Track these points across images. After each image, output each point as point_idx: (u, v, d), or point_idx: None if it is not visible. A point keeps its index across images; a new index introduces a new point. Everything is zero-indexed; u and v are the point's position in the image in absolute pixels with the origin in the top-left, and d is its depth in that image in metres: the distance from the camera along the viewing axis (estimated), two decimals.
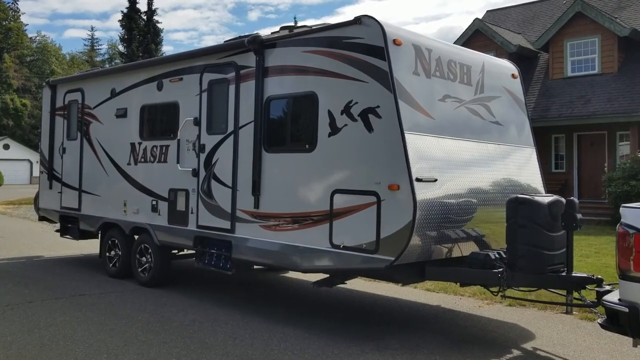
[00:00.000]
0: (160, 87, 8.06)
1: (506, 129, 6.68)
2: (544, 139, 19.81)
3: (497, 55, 19.58)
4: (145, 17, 39.59)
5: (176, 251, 8.21)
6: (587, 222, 15.96)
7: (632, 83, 17.92)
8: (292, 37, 6.34)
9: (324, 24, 6.30)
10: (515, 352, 5.37)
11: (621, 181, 15.33)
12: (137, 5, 39.94)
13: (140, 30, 39.31)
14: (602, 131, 18.72)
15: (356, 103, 5.59)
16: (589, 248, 11.31)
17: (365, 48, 5.56)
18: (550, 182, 19.01)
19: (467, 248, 5.89)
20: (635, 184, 14.96)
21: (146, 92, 8.31)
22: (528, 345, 5.58)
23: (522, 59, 21.35)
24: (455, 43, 21.71)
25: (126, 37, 39.84)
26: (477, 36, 21.67)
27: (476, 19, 22.12)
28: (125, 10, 39.68)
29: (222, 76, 7.05)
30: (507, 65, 7.11)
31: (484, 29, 21.58)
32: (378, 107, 5.43)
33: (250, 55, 6.67)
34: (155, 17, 40.04)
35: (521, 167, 6.75)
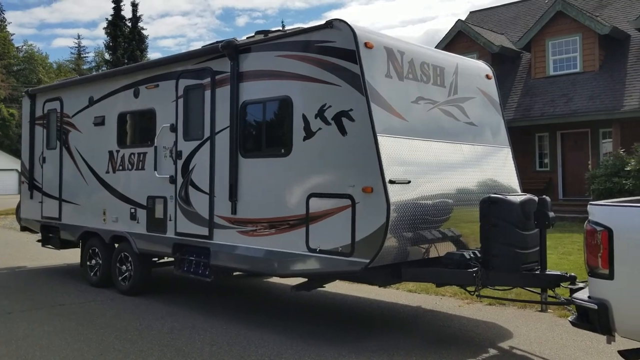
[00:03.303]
0: (136, 94, 8.03)
1: (481, 130, 6.72)
2: (528, 138, 19.96)
3: (480, 56, 19.74)
4: (130, 24, 39.51)
5: (156, 259, 8.17)
6: (571, 220, 16.10)
7: (613, 81, 18.09)
8: (266, 41, 6.34)
9: (297, 28, 6.31)
10: (492, 352, 5.39)
11: (604, 178, 15.45)
12: (122, 13, 39.85)
13: (126, 37, 39.16)
14: (585, 129, 18.88)
15: (330, 107, 5.61)
16: (572, 246, 11.39)
17: (338, 52, 5.58)
18: (535, 181, 19.20)
19: (444, 248, 5.92)
20: (617, 180, 15.08)
21: (123, 100, 8.28)
22: (505, 344, 5.61)
23: (505, 59, 21.52)
24: (438, 45, 21.87)
25: (111, 44, 39.68)
26: (460, 37, 21.80)
27: (459, 20, 22.26)
28: (110, 18, 39.57)
29: (198, 82, 7.04)
30: (481, 66, 7.15)
31: (467, 30, 21.71)
32: (351, 110, 5.45)
33: (225, 60, 6.67)
34: (140, 24, 39.95)
35: (497, 167, 6.79)
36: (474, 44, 21.23)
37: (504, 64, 21.50)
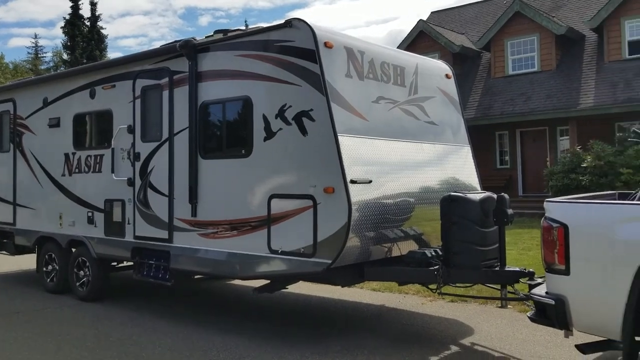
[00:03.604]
0: (93, 95, 7.82)
1: (441, 129, 6.77)
2: (488, 137, 20.31)
3: (441, 56, 19.98)
4: (89, 23, 38.56)
5: (115, 263, 7.97)
6: (531, 216, 16.45)
7: (569, 80, 18.57)
8: (225, 40, 6.25)
9: (257, 27, 6.24)
10: (454, 349, 5.44)
11: (562, 175, 15.84)
12: (81, 11, 38.87)
13: (84, 36, 38.19)
14: (543, 127, 19.32)
15: (290, 107, 5.56)
16: (531, 241, 11.62)
17: (297, 51, 5.53)
18: (496, 178, 19.55)
19: (406, 247, 5.94)
20: (575, 177, 15.48)
21: (79, 101, 8.05)
22: (466, 341, 5.66)
23: (465, 58, 21.86)
24: (400, 45, 22.05)
25: (69, 44, 38.65)
26: (421, 37, 22.03)
27: (420, 20, 22.49)
28: (67, 17, 38.56)
29: (156, 82, 6.89)
30: (440, 66, 7.21)
31: (428, 30, 21.95)
32: (311, 110, 5.41)
33: (183, 60, 6.54)
34: (100, 23, 39.03)
35: (457, 166, 6.86)
36: (435, 43, 21.49)
37: (464, 63, 21.83)
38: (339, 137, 5.24)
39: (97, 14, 39.06)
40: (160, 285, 6.88)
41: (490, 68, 20.70)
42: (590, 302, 4.04)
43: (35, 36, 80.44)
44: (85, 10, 46.45)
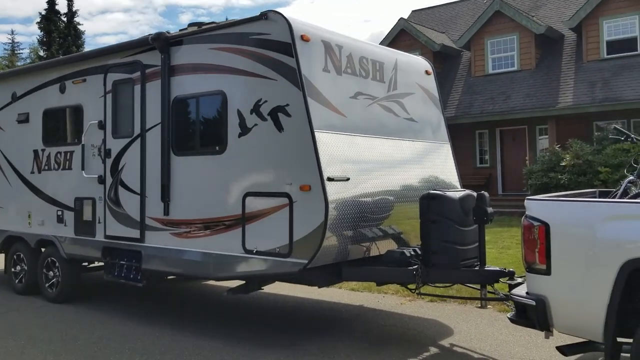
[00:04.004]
0: (63, 90, 7.56)
1: (421, 126, 6.65)
2: (468, 135, 20.34)
3: (422, 54, 19.91)
4: (65, 19, 37.81)
5: (86, 264, 7.72)
6: (510, 215, 16.48)
7: (548, 79, 18.66)
8: (199, 33, 6.05)
9: (233, 20, 6.05)
10: (433, 350, 5.32)
11: (540, 173, 15.88)
12: (57, 7, 38.07)
13: (61, 32, 37.41)
14: (522, 126, 19.39)
15: (265, 102, 5.38)
16: (511, 240, 11.60)
17: (273, 44, 5.36)
18: (476, 177, 19.58)
19: (386, 246, 5.81)
20: (554, 175, 15.52)
21: (48, 95, 7.78)
22: (446, 342, 5.55)
23: (446, 57, 21.86)
24: (381, 43, 21.95)
25: (45, 39, 37.83)
26: (402, 36, 21.98)
27: (401, 18, 22.43)
28: (43, 12, 37.75)
29: (127, 76, 6.66)
30: (420, 62, 7.09)
31: (409, 28, 21.91)
32: (287, 105, 5.24)
33: (155, 53, 6.33)
34: (77, 19, 38.27)
35: (437, 164, 6.74)
36: (416, 42, 21.45)
37: (445, 62, 21.83)
38: (315, 133, 5.08)
39: (74, 9, 38.30)
40: (132, 287, 6.66)
41: (471, 67, 20.72)
42: (571, 302, 3.94)
43: (12, 32, 78.60)
44: (62, 6, 45.63)
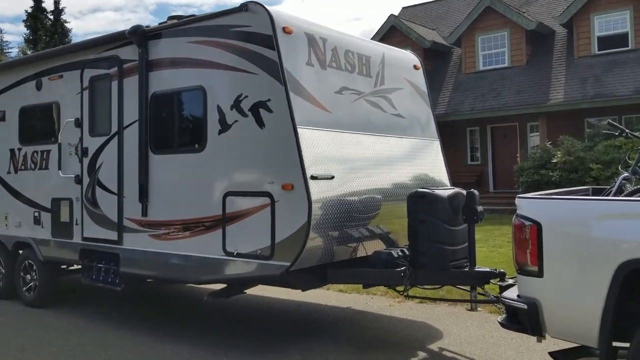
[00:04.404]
0: (39, 87, 7.29)
1: (409, 122, 6.45)
2: (459, 132, 20.19)
3: (412, 51, 19.67)
4: (52, 17, 37.34)
5: (65, 266, 7.46)
6: (501, 212, 16.33)
7: (539, 75, 18.53)
8: (177, 26, 5.80)
9: (212, 12, 5.81)
10: (421, 354, 5.12)
11: (532, 170, 15.75)
12: (44, 5, 37.60)
13: (47, 30, 36.95)
14: (513, 123, 19.26)
15: (246, 97, 5.16)
16: (502, 238, 11.43)
17: (253, 37, 5.13)
18: (467, 175, 19.44)
19: (373, 247, 5.60)
20: (545, 172, 15.39)
21: (25, 93, 7.51)
22: (435, 346, 5.35)
23: (437, 54, 21.70)
24: (371, 39, 21.74)
25: (32, 37, 37.36)
26: (392, 32, 21.79)
27: (391, 15, 22.24)
28: (30, 10, 37.26)
29: (104, 72, 6.41)
30: (408, 57, 6.89)
31: (399, 25, 21.72)
32: (269, 100, 5.02)
33: (133, 47, 6.08)
34: (67, 18, 37.91)
35: (426, 161, 6.54)
36: (407, 38, 21.26)
37: (435, 59, 21.67)
38: (298, 130, 4.86)
39: (60, 7, 37.85)
40: (110, 290, 6.41)
41: (461, 64, 20.56)
42: (565, 306, 3.74)
43: (1, 31, 77.94)
44: (48, 4, 45.08)
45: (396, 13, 25.58)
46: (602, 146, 15.07)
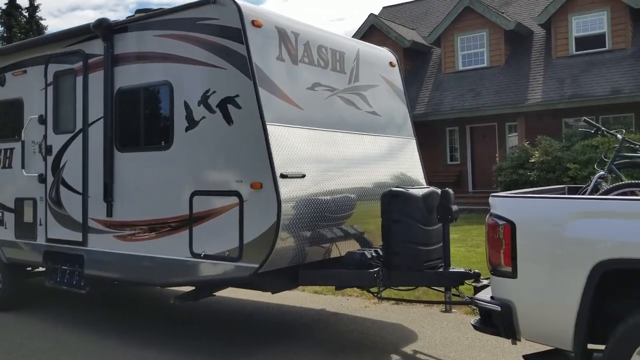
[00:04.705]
0: (2, 82, 7.02)
1: (384, 120, 6.31)
2: (439, 132, 20.18)
3: (392, 51, 19.63)
4: (27, 14, 36.63)
5: (30, 269, 7.19)
6: (480, 212, 16.31)
7: (517, 75, 18.58)
8: (143, 19, 5.60)
9: (179, 5, 5.61)
10: (395, 358, 4.98)
11: (510, 170, 15.77)
12: (18, 2, 36.88)
13: (22, 27, 36.23)
14: (492, 123, 19.30)
15: (214, 92, 4.97)
16: (480, 238, 11.36)
17: (221, 30, 4.95)
18: (446, 174, 19.44)
19: (348, 247, 5.46)
20: (523, 172, 15.42)
21: None
22: (409, 348, 5.22)
23: (416, 54, 21.68)
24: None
25: (6, 35, 36.59)
26: (372, 32, 21.70)
27: (371, 14, 22.16)
28: (4, 7, 36.54)
29: (69, 67, 6.17)
30: (384, 54, 6.76)
31: (379, 24, 21.66)
32: (237, 96, 4.84)
33: (99, 42, 5.86)
34: (39, 14, 37.14)
35: (401, 159, 6.42)
36: (387, 38, 21.19)
37: (415, 59, 21.65)
38: (267, 126, 4.69)
39: (35, 4, 37.14)
40: (75, 293, 6.17)
41: (441, 63, 20.56)
42: (538, 307, 3.63)
43: None
44: (23, 1, 44.28)
45: (377, 12, 25.53)
46: (579, 146, 15.14)
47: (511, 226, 3.69)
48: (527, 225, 3.67)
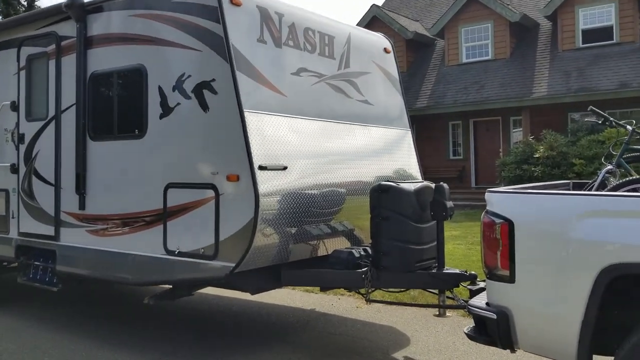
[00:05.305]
0: None
1: (377, 110, 5.92)
2: (441, 126, 19.75)
3: (394, 42, 19.22)
4: (25, 3, 36.27)
5: (6, 264, 6.84)
6: (482, 208, 15.89)
7: (523, 68, 18.11)
8: None
9: None
10: None
11: (514, 165, 15.34)
12: None
13: None
14: (496, 117, 18.84)
15: (189, 76, 4.60)
16: (480, 235, 10.96)
17: (197, 9, 4.57)
18: (449, 169, 19.03)
19: (336, 245, 5.09)
20: (527, 167, 15.00)
21: None
22: (400, 354, 4.85)
23: (420, 46, 21.22)
24: None
25: None
26: (374, 23, 21.23)
27: (373, 5, 21.70)
28: None
29: (42, 50, 5.81)
30: (378, 39, 6.36)
31: (381, 15, 21.20)
32: (213, 80, 4.47)
33: (71, 23, 5.49)
34: (37, 3, 36.72)
35: (395, 152, 6.03)
36: (389, 29, 20.72)
37: (418, 51, 21.20)
38: (245, 114, 4.31)
39: None
40: (47, 291, 5.83)
41: (444, 56, 20.09)
42: (539, 316, 3.26)
43: None
44: None
45: (379, 3, 25.07)
46: (585, 141, 14.70)
47: (509, 225, 3.31)
48: (527, 224, 3.29)
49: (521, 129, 17.85)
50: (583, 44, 17.45)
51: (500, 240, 3.35)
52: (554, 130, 15.62)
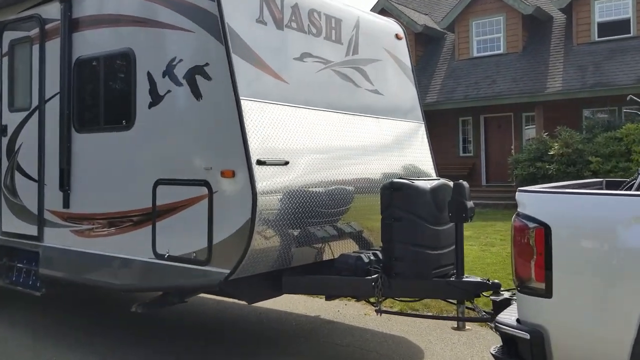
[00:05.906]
0: None
1: (388, 100, 5.45)
2: (451, 122, 19.24)
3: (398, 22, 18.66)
4: None
5: None
6: (494, 207, 15.42)
7: (536, 62, 17.56)
8: None
9: None
10: None
11: (527, 163, 14.82)
12: None
13: None
14: (508, 113, 18.30)
15: (181, 61, 4.15)
16: (495, 235, 10.49)
17: None
18: (459, 167, 18.51)
19: (343, 249, 4.63)
20: (541, 165, 14.47)
21: None
22: None
23: (429, 39, 20.71)
24: None
25: None
26: (382, 15, 20.68)
27: None
28: None
29: (25, 34, 5.38)
30: (389, 24, 5.89)
31: (390, 8, 20.66)
32: (207, 65, 4.01)
33: (56, 4, 5.05)
34: None
35: (408, 146, 5.56)
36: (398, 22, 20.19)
37: (427, 44, 20.68)
38: (242, 102, 3.86)
39: None
40: (30, 295, 5.40)
41: (455, 50, 19.56)
42: (580, 336, 2.79)
43: None
44: None
45: None
46: (601, 138, 14.15)
47: (545, 230, 2.84)
48: (567, 229, 2.82)
49: (534, 125, 17.31)
50: (599, 37, 16.87)
51: (535, 248, 2.88)
52: (568, 127, 15.08)
